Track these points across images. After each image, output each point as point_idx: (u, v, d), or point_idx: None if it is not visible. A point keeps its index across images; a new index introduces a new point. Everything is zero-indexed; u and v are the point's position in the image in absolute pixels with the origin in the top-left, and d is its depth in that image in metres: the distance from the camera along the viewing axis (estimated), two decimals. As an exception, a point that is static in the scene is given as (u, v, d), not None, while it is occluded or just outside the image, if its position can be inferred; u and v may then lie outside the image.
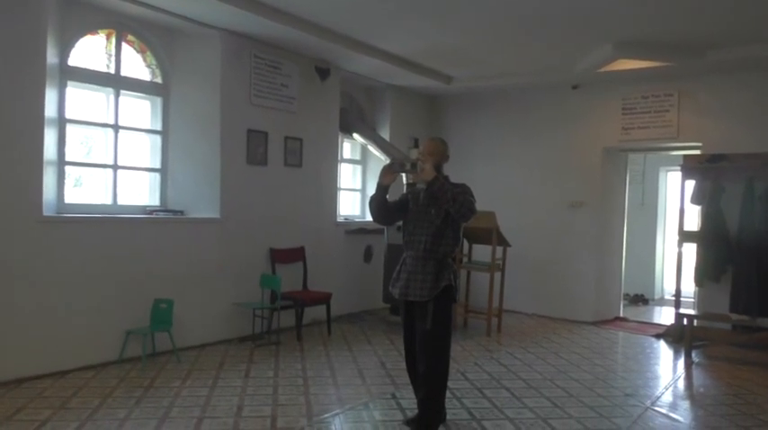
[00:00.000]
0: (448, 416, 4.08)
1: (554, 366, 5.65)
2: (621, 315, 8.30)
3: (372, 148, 7.89)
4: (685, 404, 4.89)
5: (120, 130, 5.70)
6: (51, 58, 4.91)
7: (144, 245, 5.45)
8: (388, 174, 3.91)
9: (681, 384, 5.37)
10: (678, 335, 6.72)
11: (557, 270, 8.13)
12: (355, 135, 7.95)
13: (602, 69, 6.89)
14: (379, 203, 3.99)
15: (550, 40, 6.35)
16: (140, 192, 6.05)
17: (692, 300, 7.38)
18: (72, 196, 5.42)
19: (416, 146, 8.43)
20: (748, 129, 6.79)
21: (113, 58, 5.65)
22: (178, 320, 5.46)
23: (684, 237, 6.97)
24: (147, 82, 5.98)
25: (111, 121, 5.63)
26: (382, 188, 3.94)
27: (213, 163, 6.04)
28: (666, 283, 10.10)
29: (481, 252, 7.44)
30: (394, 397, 4.58)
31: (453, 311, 4.11)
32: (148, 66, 6.00)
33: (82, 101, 5.50)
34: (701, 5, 5.21)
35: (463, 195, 3.70)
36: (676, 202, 7.33)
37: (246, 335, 6.20)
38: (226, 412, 4.14)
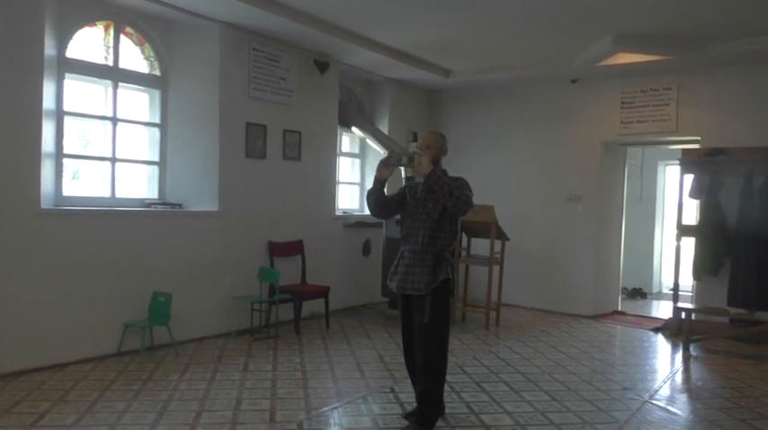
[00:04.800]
0: (447, 410, 4.08)
1: (552, 360, 5.66)
2: (620, 309, 8.32)
3: (371, 142, 7.88)
4: (683, 397, 4.90)
5: (119, 123, 5.68)
6: (49, 49, 4.89)
7: (142, 238, 5.44)
8: (385, 167, 3.89)
9: (679, 378, 5.39)
10: (676, 329, 6.73)
11: (555, 264, 8.14)
12: (354, 128, 7.94)
13: (601, 63, 6.87)
14: (376, 197, 3.98)
15: (550, 33, 6.33)
16: (139, 185, 6.03)
17: (690, 293, 7.40)
18: (70, 189, 5.40)
19: (415, 139, 8.41)
20: (747, 122, 6.78)
21: (111, 51, 5.62)
22: (176, 313, 5.45)
23: (683, 230, 6.98)
24: (145, 74, 5.95)
25: (110, 114, 5.61)
26: (379, 182, 3.93)
27: (212, 156, 6.02)
28: (664, 277, 10.13)
29: (480, 246, 7.44)
30: (392, 390, 4.58)
31: (451, 305, 4.11)
32: (147, 58, 5.98)
33: (80, 93, 5.47)
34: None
35: (460, 189, 3.69)
36: (675, 196, 7.34)
37: (245, 328, 6.20)
38: (224, 405, 4.14)
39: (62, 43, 5.17)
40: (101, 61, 5.57)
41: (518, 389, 4.70)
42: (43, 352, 4.78)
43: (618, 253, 8.34)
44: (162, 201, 5.98)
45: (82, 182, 5.70)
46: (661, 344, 6.62)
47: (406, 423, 3.88)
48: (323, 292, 6.58)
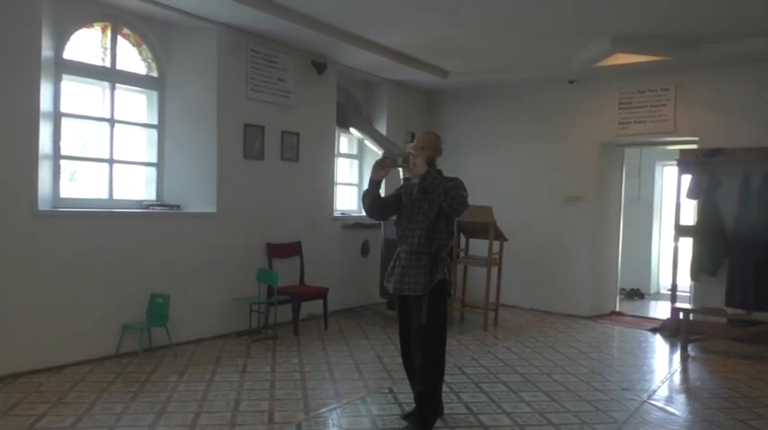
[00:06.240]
0: (445, 411, 4.08)
1: (551, 360, 5.66)
2: (618, 309, 8.33)
3: (369, 143, 7.88)
4: (681, 397, 4.90)
5: (116, 124, 5.68)
6: (46, 51, 4.89)
7: (140, 239, 5.43)
8: (380, 169, 3.89)
9: (677, 378, 5.39)
10: (674, 330, 6.74)
11: (553, 264, 8.14)
12: (352, 129, 7.94)
13: (599, 64, 6.88)
14: (372, 199, 3.98)
15: (547, 34, 6.34)
16: (136, 186, 6.02)
17: (688, 294, 7.40)
18: (67, 191, 5.39)
19: (413, 140, 8.41)
20: (745, 123, 6.78)
21: (109, 52, 5.62)
22: (175, 315, 5.44)
23: (680, 231, 7.00)
24: (142, 76, 5.95)
25: (107, 115, 5.61)
26: (375, 184, 3.94)
27: (210, 157, 6.02)
28: (662, 278, 10.13)
29: (478, 246, 7.44)
30: (391, 391, 4.58)
31: (449, 305, 4.11)
32: (144, 59, 5.97)
33: (77, 95, 5.47)
34: (698, -2, 5.22)
35: (455, 190, 3.68)
36: (672, 197, 7.35)
37: (243, 329, 6.19)
38: (223, 407, 4.13)
39: (59, 44, 5.17)
40: (98, 62, 5.56)
41: (517, 390, 4.70)
42: (41, 354, 4.77)
43: (616, 253, 8.35)
44: (160, 202, 5.97)
45: (79, 183, 5.69)
46: (659, 344, 6.63)
47: (404, 423, 3.88)
48: (321, 293, 6.58)
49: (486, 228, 6.94)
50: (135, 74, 5.87)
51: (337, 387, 4.70)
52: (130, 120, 5.93)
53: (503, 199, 7.79)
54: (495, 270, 7.13)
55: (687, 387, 5.20)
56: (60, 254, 4.88)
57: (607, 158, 8.09)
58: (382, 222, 7.07)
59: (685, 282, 7.50)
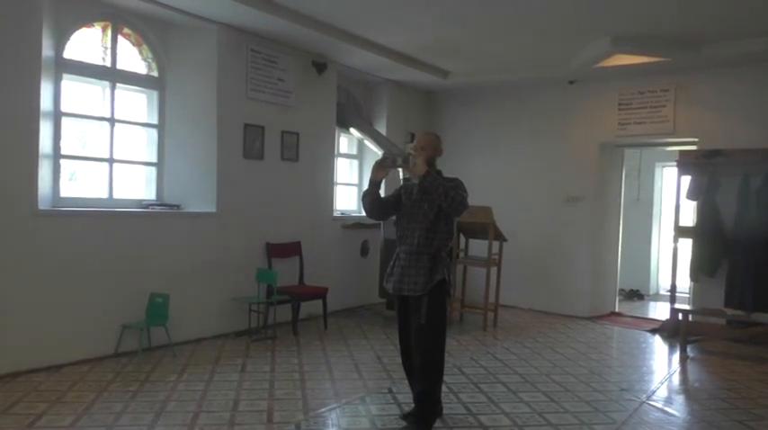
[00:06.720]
0: (444, 411, 4.08)
1: (550, 361, 5.66)
2: (617, 310, 8.33)
3: (369, 143, 7.88)
4: (680, 398, 4.90)
5: (116, 124, 5.68)
6: (47, 50, 4.89)
7: (140, 239, 5.43)
8: (380, 169, 3.90)
9: (676, 379, 5.39)
10: (673, 330, 6.75)
11: (553, 265, 8.14)
12: (352, 130, 7.94)
13: (599, 64, 6.88)
14: (372, 199, 3.98)
15: (548, 35, 6.34)
16: (136, 186, 6.02)
17: (688, 295, 7.40)
18: (67, 190, 5.40)
19: (413, 140, 8.42)
20: (745, 123, 6.78)
21: (109, 51, 5.62)
22: (174, 314, 5.44)
23: (680, 232, 7.00)
24: (143, 75, 5.95)
25: (107, 115, 5.61)
26: (374, 184, 3.94)
27: (209, 157, 6.02)
28: (662, 279, 10.14)
29: (478, 247, 7.44)
30: (390, 391, 4.59)
31: (448, 305, 4.11)
32: (144, 59, 5.97)
33: (78, 94, 5.47)
34: (698, -1, 5.23)
35: (455, 190, 3.68)
36: (672, 198, 7.35)
37: (243, 329, 6.19)
38: (222, 406, 4.14)
39: (60, 44, 5.17)
40: (98, 62, 5.56)
41: (516, 390, 4.71)
42: (40, 353, 4.77)
43: (615, 254, 8.35)
44: (159, 202, 5.97)
45: (79, 183, 5.69)
46: (658, 345, 6.63)
47: (403, 423, 3.88)
48: (321, 293, 6.58)
49: (485, 228, 6.94)
50: (135, 73, 5.87)
51: (336, 387, 4.70)
52: (130, 120, 5.93)
53: (503, 199, 7.79)
54: (494, 270, 7.13)
55: (686, 388, 5.20)
56: (60, 253, 4.89)
57: (607, 159, 8.09)
58: (382, 222, 7.08)
59: (685, 283, 7.51)
